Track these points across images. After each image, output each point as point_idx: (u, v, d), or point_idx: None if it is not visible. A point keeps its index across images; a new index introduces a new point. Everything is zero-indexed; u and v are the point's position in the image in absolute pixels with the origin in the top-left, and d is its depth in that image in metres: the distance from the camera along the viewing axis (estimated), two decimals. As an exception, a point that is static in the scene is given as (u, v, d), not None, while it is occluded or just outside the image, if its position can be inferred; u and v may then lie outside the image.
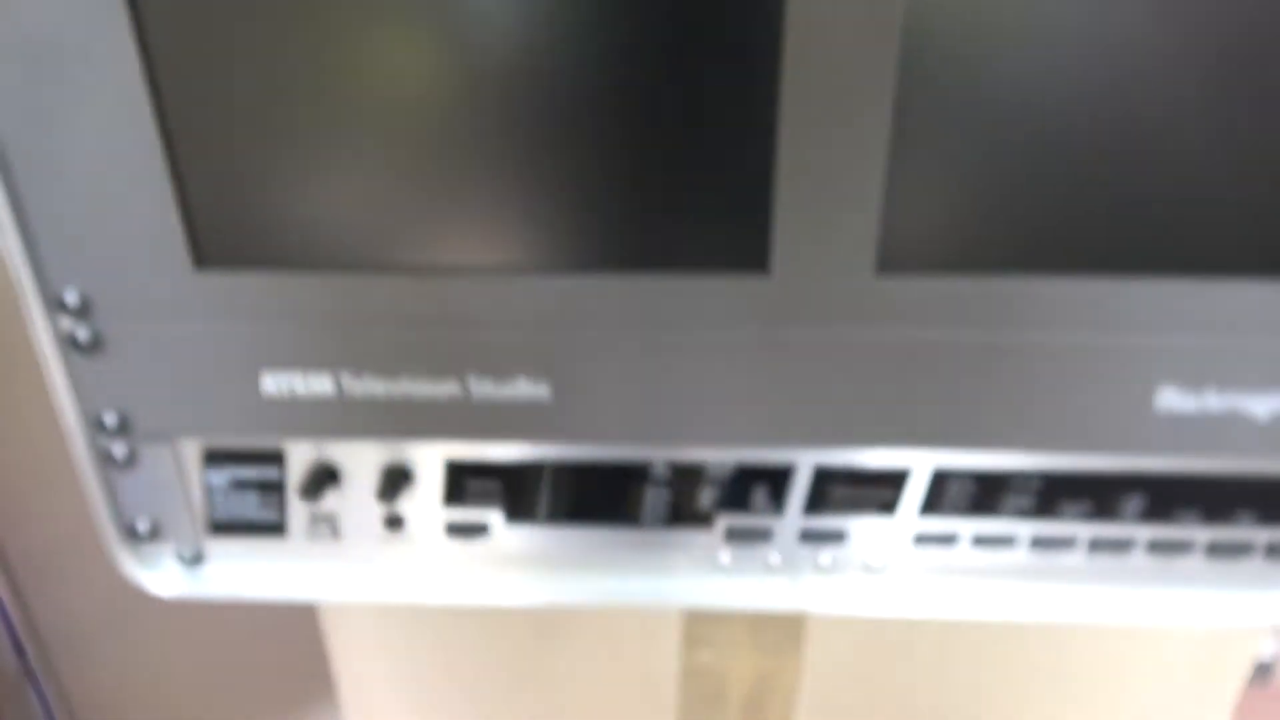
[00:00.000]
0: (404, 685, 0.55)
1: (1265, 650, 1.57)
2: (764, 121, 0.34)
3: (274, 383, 0.41)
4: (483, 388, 0.41)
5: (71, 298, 0.39)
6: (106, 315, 0.40)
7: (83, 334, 0.40)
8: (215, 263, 0.39)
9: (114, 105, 0.35)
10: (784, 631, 0.50)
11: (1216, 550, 0.43)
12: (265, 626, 0.94)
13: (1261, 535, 0.43)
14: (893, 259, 0.37)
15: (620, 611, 0.51)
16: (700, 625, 0.50)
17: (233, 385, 0.41)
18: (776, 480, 0.43)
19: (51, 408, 0.42)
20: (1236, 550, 0.43)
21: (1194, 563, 0.43)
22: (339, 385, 0.41)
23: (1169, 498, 0.42)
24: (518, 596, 0.46)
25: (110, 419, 0.42)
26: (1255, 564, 0.43)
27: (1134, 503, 0.42)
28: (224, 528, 0.46)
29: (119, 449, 0.43)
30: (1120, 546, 0.43)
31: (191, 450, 0.44)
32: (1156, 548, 0.43)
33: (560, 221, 0.37)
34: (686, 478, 0.43)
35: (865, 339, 0.38)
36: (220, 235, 0.38)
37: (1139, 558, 0.44)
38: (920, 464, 0.42)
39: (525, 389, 0.41)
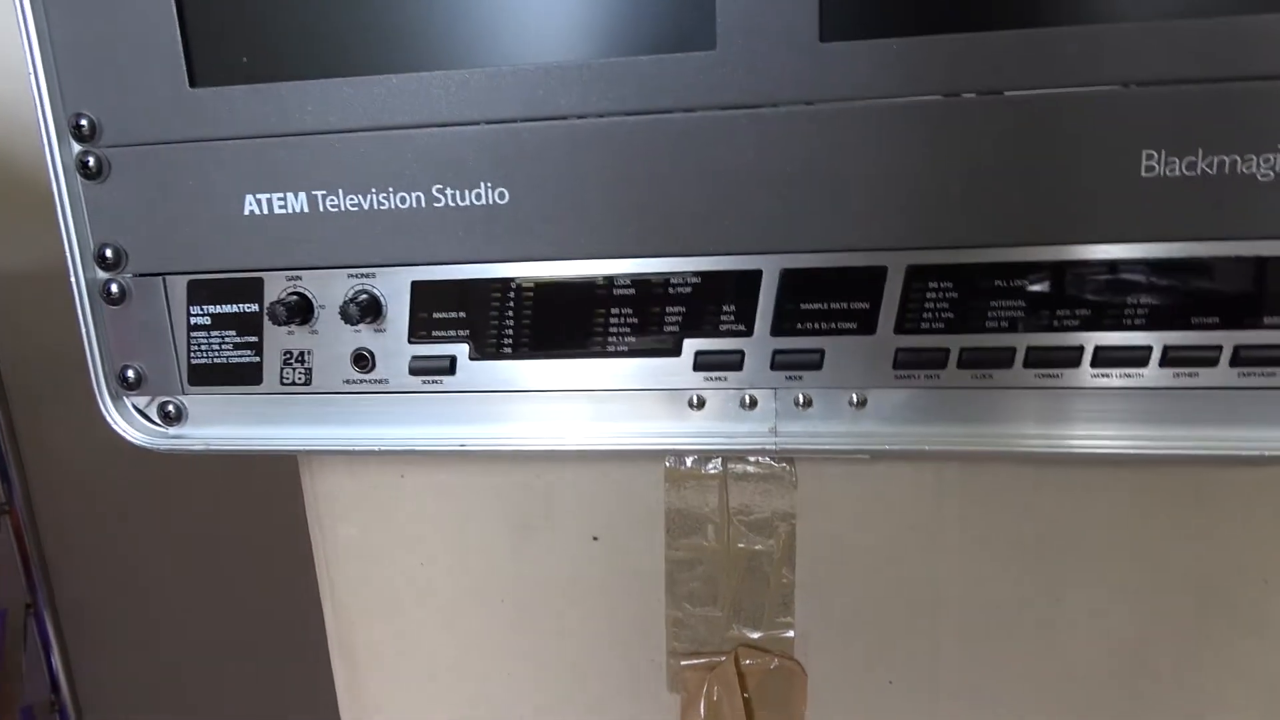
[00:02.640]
0: (388, 603, 0.52)
1: None
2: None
3: (255, 203, 0.43)
4: (446, 196, 0.41)
5: (84, 122, 0.43)
6: (112, 138, 0.43)
7: (91, 159, 0.43)
8: (209, 80, 0.42)
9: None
10: (774, 511, 0.45)
11: (1250, 359, 0.38)
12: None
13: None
14: (835, 26, 0.37)
15: (604, 501, 0.48)
16: (682, 508, 0.46)
17: (219, 209, 0.43)
18: (743, 293, 0.41)
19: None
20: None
21: (1220, 373, 0.38)
22: (315, 203, 0.42)
23: (1178, 291, 0.38)
24: (480, 440, 0.44)
25: (109, 253, 0.45)
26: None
27: (1141, 302, 0.38)
28: (204, 376, 0.46)
29: (114, 285, 0.45)
30: (1133, 358, 0.39)
31: (178, 289, 0.45)
32: (1172, 358, 0.39)
33: (522, 15, 0.39)
34: (649, 294, 0.42)
35: (816, 113, 0.38)
36: (213, 52, 0.42)
37: (1153, 371, 0.39)
38: (893, 264, 0.40)
39: (485, 195, 0.41)
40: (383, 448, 0.45)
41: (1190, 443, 0.40)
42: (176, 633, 0.97)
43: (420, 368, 0.44)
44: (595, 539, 0.48)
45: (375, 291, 0.44)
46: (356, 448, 0.46)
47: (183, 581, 0.95)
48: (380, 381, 0.45)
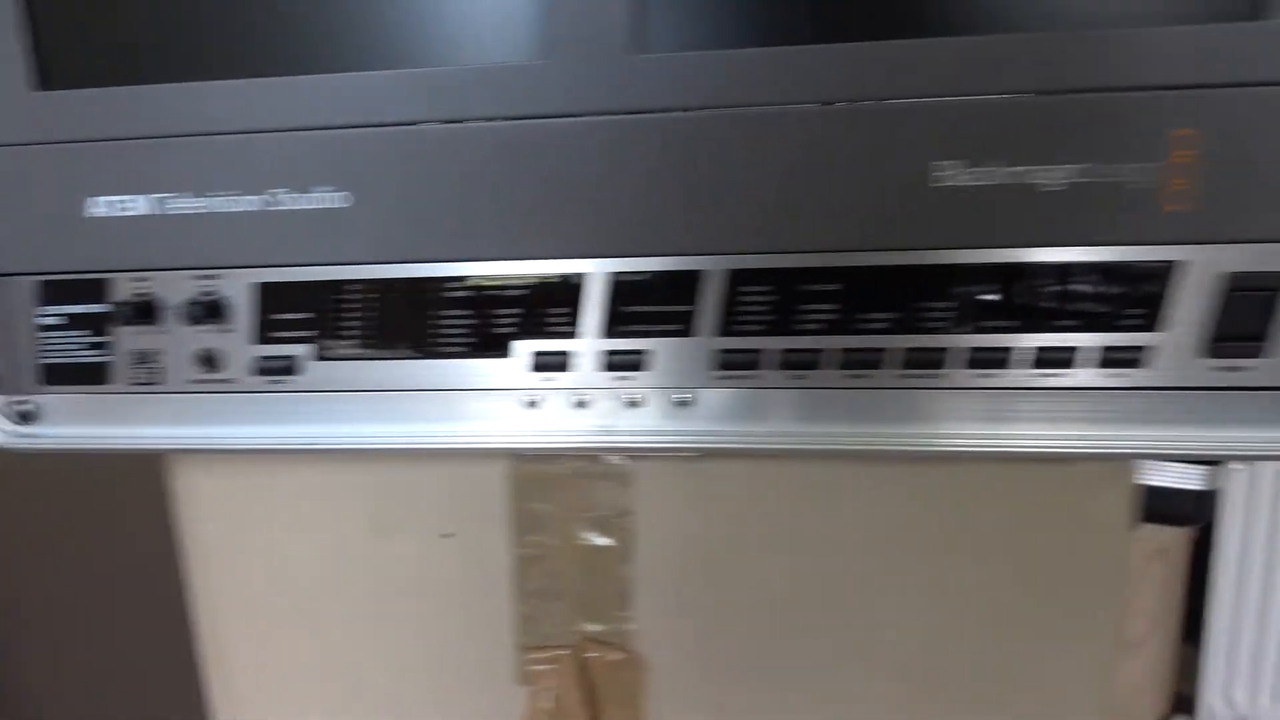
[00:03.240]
0: (254, 602, 0.53)
1: None
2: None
3: (98, 206, 0.44)
4: (287, 200, 0.42)
5: (-72, 123, 0.43)
6: (-43, 140, 0.44)
7: (-64, 161, 0.44)
8: (50, 83, 0.43)
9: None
10: (613, 508, 0.47)
11: (1040, 361, 0.40)
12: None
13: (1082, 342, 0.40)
14: (651, 38, 0.39)
15: (455, 499, 0.49)
16: (528, 505, 0.48)
17: (62, 211, 0.44)
18: (572, 298, 0.42)
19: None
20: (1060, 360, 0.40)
21: (1017, 375, 0.40)
22: (157, 205, 0.43)
23: (978, 302, 0.40)
24: (327, 439, 0.45)
25: (-44, 254, 0.45)
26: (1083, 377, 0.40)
27: (945, 309, 0.40)
28: (55, 376, 0.47)
29: (-37, 287, 0.45)
30: (936, 360, 0.41)
31: (25, 290, 0.46)
32: (971, 360, 0.40)
33: (358, 23, 0.41)
34: (485, 298, 0.43)
35: (635, 122, 0.39)
36: (56, 56, 0.42)
37: (955, 371, 0.41)
38: (712, 268, 0.41)
39: (326, 199, 0.42)
40: (229, 447, 0.46)
41: (998, 441, 0.41)
42: (47, 638, 0.96)
43: (265, 368, 0.45)
44: (447, 536, 0.49)
45: (220, 292, 0.44)
46: (202, 447, 0.46)
47: (52, 586, 0.94)
48: (227, 381, 0.46)
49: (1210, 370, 0.39)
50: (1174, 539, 1.43)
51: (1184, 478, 1.00)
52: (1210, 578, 1.41)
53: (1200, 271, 0.38)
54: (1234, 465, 1.08)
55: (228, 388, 0.46)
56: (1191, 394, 0.40)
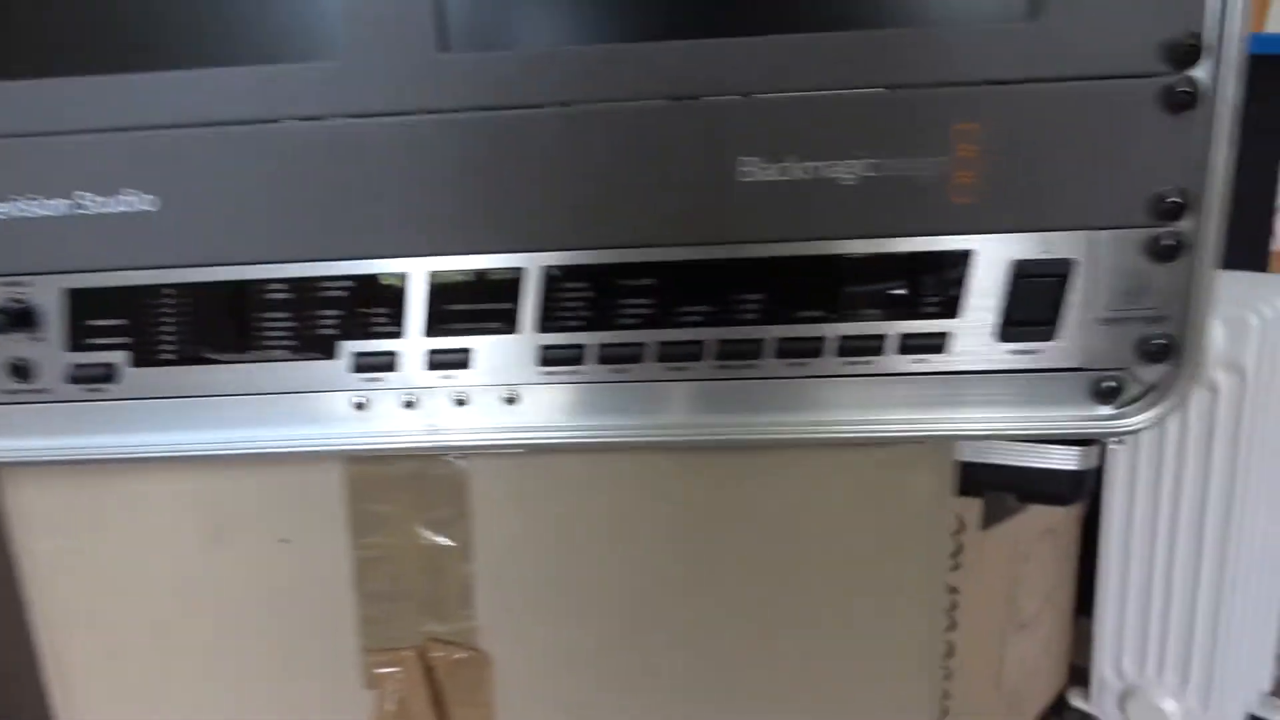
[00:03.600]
0: (96, 616, 0.52)
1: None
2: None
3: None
4: (93, 203, 0.41)
5: None
6: None
7: None
8: None
9: None
10: (451, 507, 0.47)
11: (848, 349, 0.41)
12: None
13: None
14: (456, 36, 0.39)
15: (291, 503, 0.48)
16: (365, 507, 0.47)
17: None
18: (393, 296, 0.42)
19: None
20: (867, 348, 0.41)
21: (829, 363, 0.42)
22: (-46, 211, 0.42)
23: (785, 290, 0.41)
24: (150, 447, 0.44)
25: None
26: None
27: (756, 301, 0.41)
28: None
29: None
30: (751, 351, 0.42)
31: None
32: (782, 350, 0.42)
33: (156, 22, 0.40)
34: (304, 299, 0.43)
35: (440, 121, 0.39)
36: None
37: (769, 362, 0.42)
38: (531, 265, 0.41)
39: (134, 202, 0.41)
40: (49, 458, 0.45)
41: (815, 427, 0.43)
42: None
43: (80, 376, 0.44)
44: (285, 541, 0.48)
45: (29, 300, 0.43)
46: (21, 459, 0.45)
47: None
48: (42, 391, 0.44)
49: (1008, 354, 0.41)
50: (1062, 518, 1.49)
51: (1061, 459, 1.04)
52: (1099, 554, 1.48)
53: (989, 260, 0.40)
54: (1112, 444, 1.12)
55: (43, 398, 0.44)
56: (992, 377, 0.42)
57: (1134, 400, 0.42)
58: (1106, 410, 0.42)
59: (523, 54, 0.39)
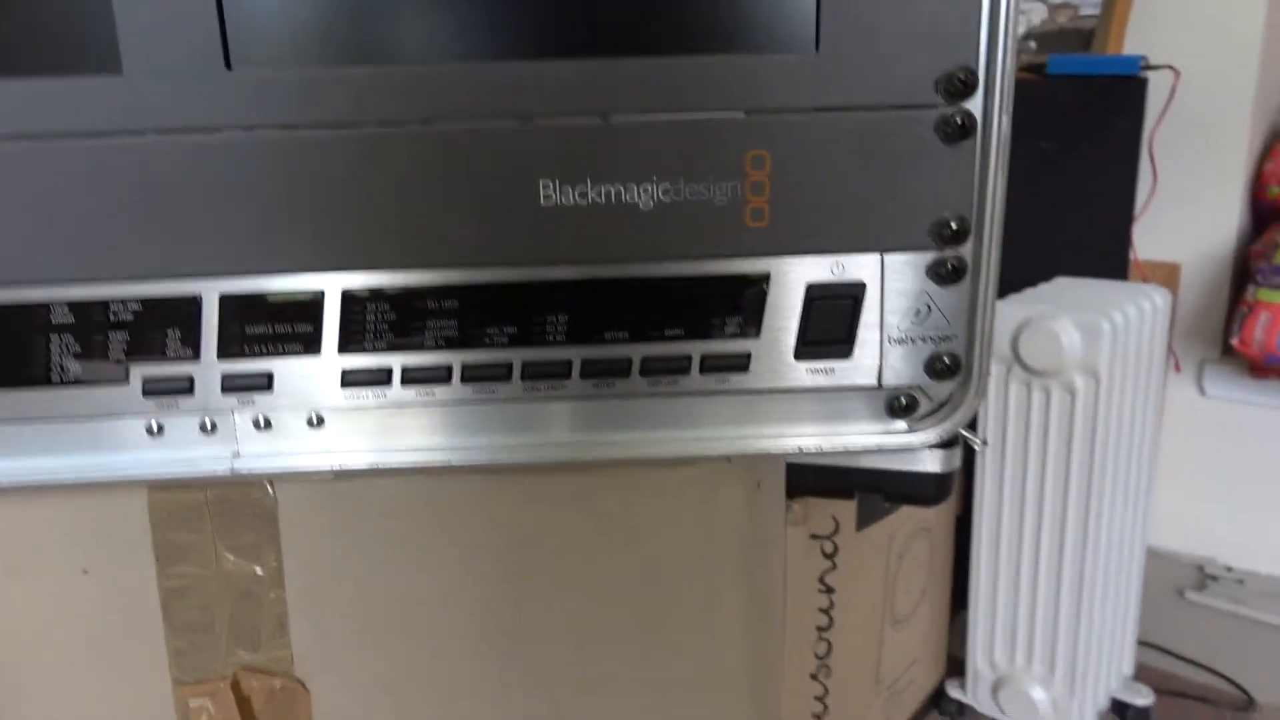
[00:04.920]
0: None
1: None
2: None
3: None
4: None
5: None
6: None
7: None
8: None
9: None
10: (258, 533, 0.45)
11: (652, 369, 0.42)
12: None
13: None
14: (242, 52, 0.38)
15: (92, 533, 0.46)
16: (170, 535, 0.45)
17: None
18: (186, 318, 0.41)
19: None
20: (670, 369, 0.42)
21: (636, 383, 0.42)
22: None
23: (590, 311, 0.41)
24: (-79, 480, 0.42)
25: None
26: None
27: (557, 321, 0.41)
28: None
29: None
30: (559, 371, 0.42)
31: None
32: (589, 370, 0.42)
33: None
34: (92, 322, 0.41)
35: (228, 139, 0.38)
36: None
37: (576, 382, 0.42)
38: (330, 287, 0.41)
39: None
40: None
41: (622, 447, 0.43)
42: None
43: None
44: (85, 572, 0.46)
45: None
46: None
47: None
48: None
49: (807, 373, 0.42)
50: (935, 517, 1.55)
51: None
52: (970, 551, 1.54)
53: (785, 283, 0.41)
54: (976, 445, 1.17)
55: None
56: (793, 395, 0.43)
57: (926, 416, 0.43)
58: (901, 425, 0.43)
59: (310, 72, 0.38)
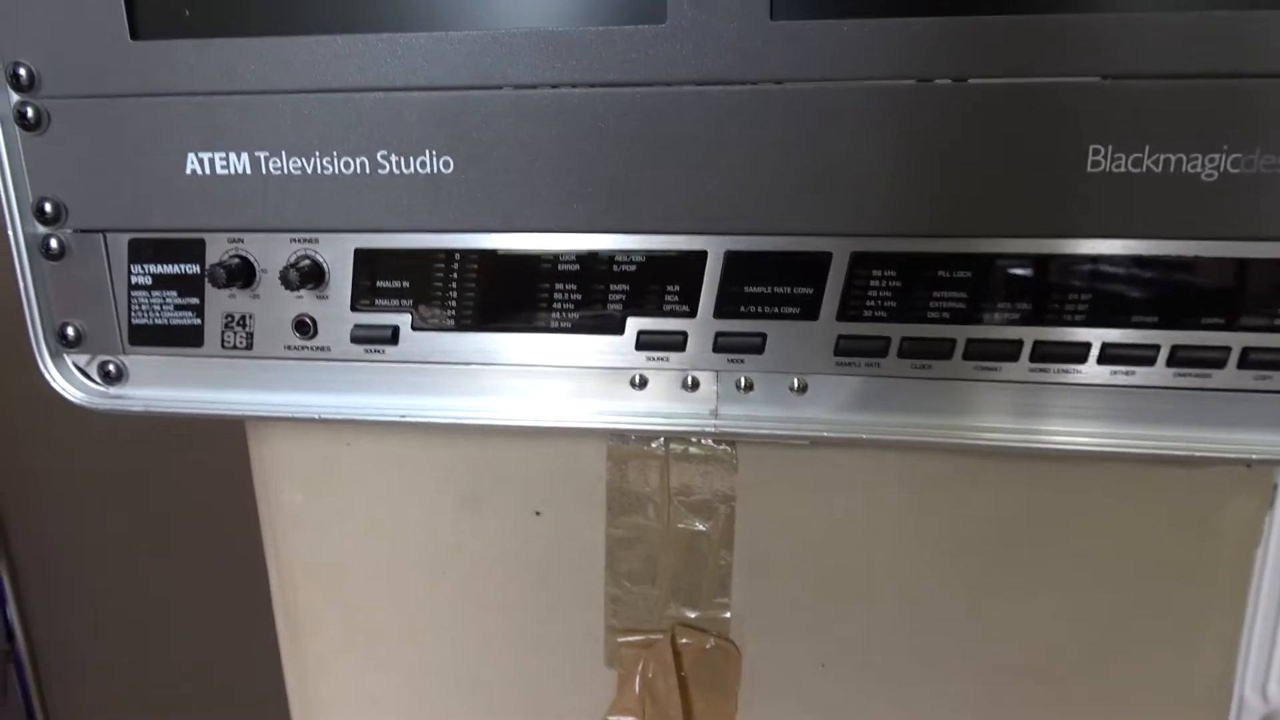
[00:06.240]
0: (333, 570, 0.52)
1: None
2: None
3: (197, 163, 0.42)
4: (391, 163, 0.41)
5: (23, 71, 0.42)
6: (52, 89, 0.42)
7: (30, 110, 0.42)
8: (150, 33, 0.41)
9: None
10: (715, 493, 0.45)
11: (1184, 360, 0.38)
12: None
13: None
14: (787, 4, 0.36)
15: (547, 476, 0.47)
16: (624, 485, 0.46)
17: (160, 166, 0.42)
18: (687, 275, 0.41)
19: None
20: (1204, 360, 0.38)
21: (1157, 372, 0.38)
22: (258, 164, 0.42)
23: (1118, 289, 0.38)
24: (427, 410, 0.44)
25: (48, 207, 0.44)
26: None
27: (1081, 298, 0.38)
28: (144, 336, 0.46)
29: (54, 240, 0.44)
30: (1074, 354, 0.39)
31: (119, 247, 0.44)
32: (1106, 357, 0.39)
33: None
34: (594, 272, 0.41)
35: (764, 92, 0.37)
36: (155, 4, 0.41)
37: (1091, 368, 0.39)
38: (838, 250, 0.39)
39: (430, 163, 0.40)
40: (322, 415, 0.45)
41: (1125, 441, 0.40)
42: (136, 598, 0.97)
43: (362, 336, 0.44)
44: (538, 514, 0.48)
45: (317, 257, 0.43)
46: (295, 414, 0.45)
47: (141, 559, 0.95)
48: (322, 349, 0.44)
49: (1366, 376, 0.37)
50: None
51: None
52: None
53: (1369, 271, 0.36)
54: None
55: (322, 355, 0.44)
56: (1343, 400, 0.38)
57: None
58: None
59: (858, 24, 0.36)
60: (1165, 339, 0.38)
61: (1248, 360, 0.38)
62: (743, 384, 0.42)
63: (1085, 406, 0.40)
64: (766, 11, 0.36)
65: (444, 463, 0.48)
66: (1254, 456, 0.39)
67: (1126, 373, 0.39)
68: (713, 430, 0.42)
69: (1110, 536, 0.43)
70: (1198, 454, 0.39)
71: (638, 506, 0.46)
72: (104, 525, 0.95)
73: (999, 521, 0.43)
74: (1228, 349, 0.38)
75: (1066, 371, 0.39)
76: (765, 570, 0.46)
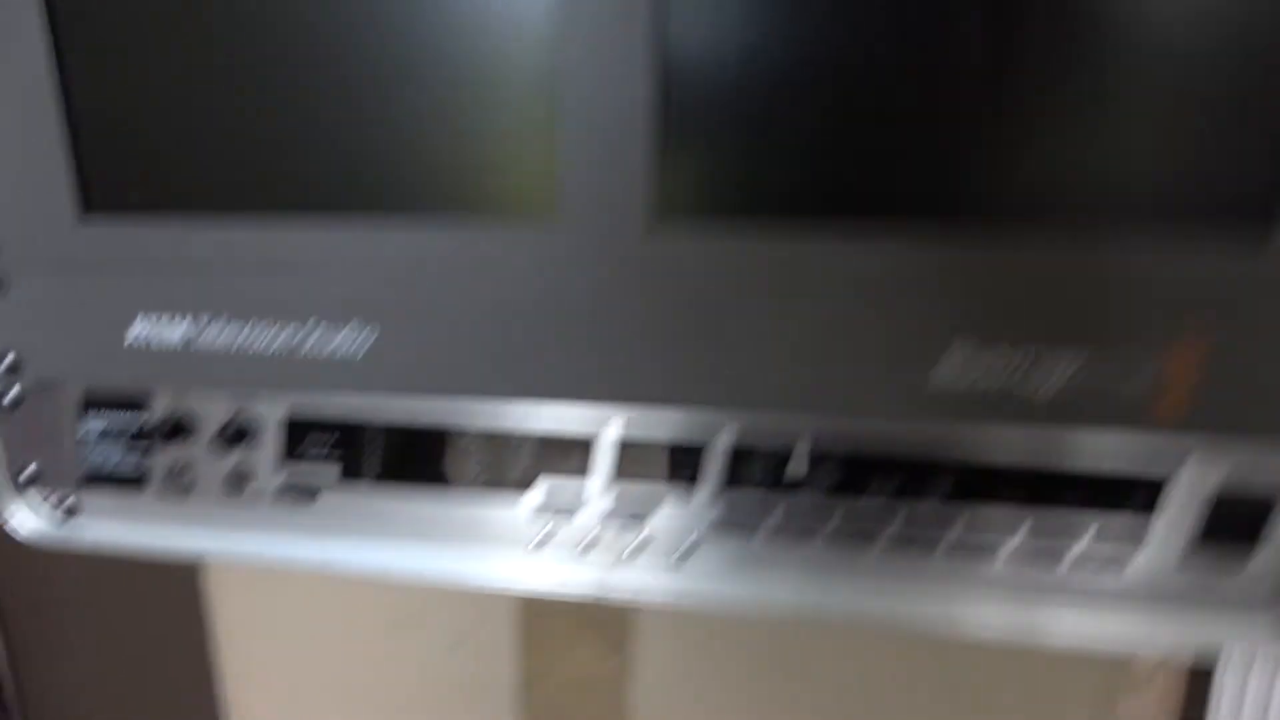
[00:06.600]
0: (281, 661, 0.56)
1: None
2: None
3: (143, 325, 0.46)
4: (318, 329, 0.44)
5: (-21, 242, 0.46)
6: (10, 255, 0.46)
7: (-9, 276, 0.46)
8: (98, 210, 0.45)
9: (14, 63, 0.42)
10: (615, 636, 0.48)
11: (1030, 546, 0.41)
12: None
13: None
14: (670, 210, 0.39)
15: (460, 607, 0.51)
16: (539, 627, 0.49)
17: (107, 328, 0.46)
18: (587, 441, 0.44)
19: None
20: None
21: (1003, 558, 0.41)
22: (198, 327, 0.45)
23: (972, 482, 0.41)
24: (340, 563, 0.47)
25: (10, 359, 0.48)
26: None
27: (937, 486, 0.41)
28: (94, 478, 0.49)
29: (15, 388, 0.48)
30: (926, 541, 0.42)
31: (72, 397, 0.48)
32: (958, 548, 0.41)
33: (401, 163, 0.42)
34: (499, 441, 0.45)
35: (645, 294, 0.40)
36: (102, 184, 0.44)
37: (940, 557, 0.42)
38: (721, 422, 0.42)
39: (354, 334, 0.44)
40: (258, 558, 0.49)
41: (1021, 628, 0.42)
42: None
43: (289, 489, 0.47)
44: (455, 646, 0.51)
45: (252, 414, 0.47)
46: (234, 557, 0.49)
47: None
48: (254, 498, 0.48)
49: None
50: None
51: None
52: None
53: None
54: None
55: (253, 505, 0.48)
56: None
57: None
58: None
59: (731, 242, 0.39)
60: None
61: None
62: (634, 549, 0.45)
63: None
64: (643, 225, 0.40)
65: (373, 591, 0.51)
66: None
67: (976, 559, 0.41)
68: (606, 595, 0.45)
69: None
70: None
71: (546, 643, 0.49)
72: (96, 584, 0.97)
73: (866, 686, 0.46)
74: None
75: (924, 555, 0.42)
76: (665, 703, 0.49)
